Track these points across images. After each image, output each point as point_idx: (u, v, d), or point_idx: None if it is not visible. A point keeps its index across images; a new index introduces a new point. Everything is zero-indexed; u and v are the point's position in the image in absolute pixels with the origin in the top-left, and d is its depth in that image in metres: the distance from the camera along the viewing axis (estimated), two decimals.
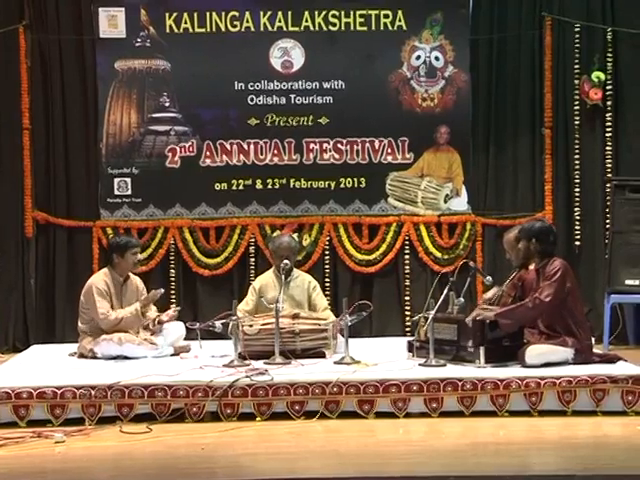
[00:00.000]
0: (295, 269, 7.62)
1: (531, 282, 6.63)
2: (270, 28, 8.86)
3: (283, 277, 7.11)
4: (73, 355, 7.21)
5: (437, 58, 8.98)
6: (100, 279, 7.18)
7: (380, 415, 5.99)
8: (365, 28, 8.88)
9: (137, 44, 8.82)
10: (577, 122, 8.80)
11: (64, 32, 8.76)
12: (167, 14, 8.79)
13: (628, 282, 8.24)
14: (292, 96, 8.89)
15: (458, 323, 6.46)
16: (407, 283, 8.95)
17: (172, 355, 7.09)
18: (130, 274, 7.34)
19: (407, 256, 8.95)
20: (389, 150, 8.93)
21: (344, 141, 8.91)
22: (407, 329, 8.78)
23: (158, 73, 8.86)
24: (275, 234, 8.59)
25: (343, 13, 8.86)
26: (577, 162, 8.82)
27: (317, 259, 8.87)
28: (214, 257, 8.86)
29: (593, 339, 6.72)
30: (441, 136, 8.97)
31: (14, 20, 8.68)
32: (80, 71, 8.80)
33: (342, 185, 8.92)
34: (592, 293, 8.57)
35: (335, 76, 8.88)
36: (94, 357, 6.95)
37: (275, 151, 8.89)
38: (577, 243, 8.80)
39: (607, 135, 8.77)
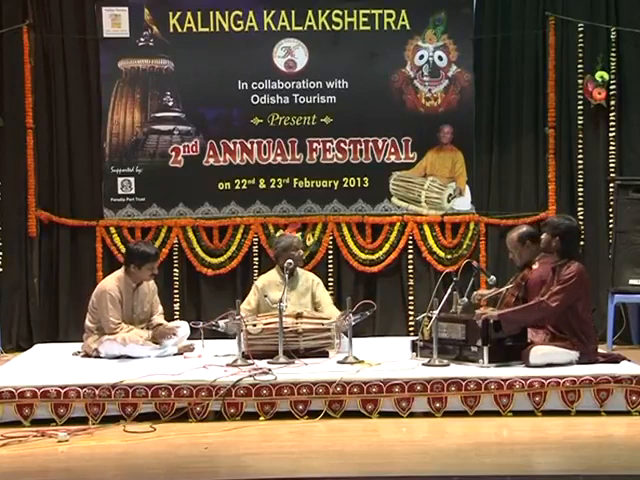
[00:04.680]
0: (298, 269, 7.60)
1: (537, 280, 6.61)
2: (273, 27, 8.86)
3: (287, 276, 7.11)
4: (77, 354, 7.20)
5: (440, 58, 8.98)
6: (113, 285, 7.08)
7: (384, 415, 5.99)
8: (368, 27, 8.88)
9: (140, 43, 8.82)
10: (580, 122, 8.80)
11: (67, 31, 8.77)
12: (170, 13, 8.80)
13: (632, 282, 8.23)
14: (295, 95, 8.89)
15: (462, 323, 6.46)
16: (411, 283, 8.95)
17: (175, 354, 7.08)
18: None
19: (410, 256, 8.95)
20: (392, 150, 8.93)
21: (347, 140, 8.92)
22: (410, 329, 8.79)
23: (161, 72, 8.87)
24: (278, 234, 8.58)
25: (346, 12, 8.86)
26: (580, 162, 8.82)
27: (321, 258, 8.88)
28: (217, 256, 8.87)
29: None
30: (444, 136, 8.97)
31: (18, 20, 8.68)
32: (83, 70, 8.81)
33: (345, 185, 8.92)
34: (596, 293, 8.53)
35: (338, 75, 8.88)
36: (98, 356, 6.95)
37: (278, 150, 8.89)
38: (581, 243, 8.77)
39: (611, 135, 8.76)
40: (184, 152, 8.87)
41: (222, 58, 8.83)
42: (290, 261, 7.16)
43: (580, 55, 8.78)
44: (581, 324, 6.39)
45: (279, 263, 7.42)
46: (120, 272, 7.22)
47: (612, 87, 8.73)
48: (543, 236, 6.58)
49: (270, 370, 6.16)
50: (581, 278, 6.37)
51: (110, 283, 7.14)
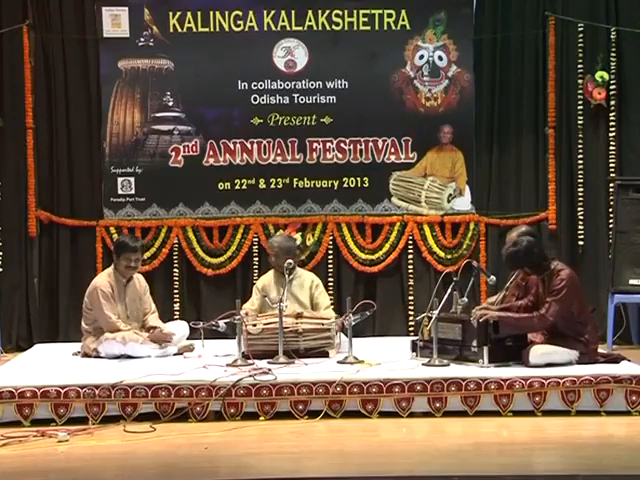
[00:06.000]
0: (298, 268, 7.61)
1: (535, 282, 6.60)
2: (273, 27, 8.86)
3: (287, 276, 7.10)
4: (77, 354, 7.21)
5: (440, 58, 8.97)
6: (104, 280, 7.13)
7: (383, 415, 5.99)
8: (368, 28, 8.88)
9: (140, 43, 8.82)
10: (580, 122, 8.80)
11: (67, 31, 8.77)
12: (170, 13, 8.80)
13: (632, 282, 8.22)
14: (295, 95, 8.89)
15: (462, 323, 6.46)
16: (411, 283, 8.95)
17: (175, 354, 7.08)
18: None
19: (410, 256, 8.95)
20: (392, 150, 8.93)
21: (347, 140, 8.92)
22: (410, 329, 8.79)
23: (161, 72, 8.87)
24: (278, 234, 8.58)
25: (346, 13, 8.86)
26: (580, 162, 8.82)
27: (321, 258, 8.88)
28: (217, 256, 8.87)
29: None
30: (444, 136, 8.97)
31: (18, 20, 8.68)
32: (83, 70, 8.81)
33: (345, 185, 8.92)
34: (596, 293, 8.56)
35: (338, 76, 8.88)
36: (98, 356, 6.95)
37: (278, 150, 8.89)
38: (580, 243, 8.79)
39: (611, 135, 8.76)
40: (184, 152, 8.87)
41: (222, 58, 8.83)
42: (290, 261, 7.16)
43: (580, 55, 8.78)
44: (578, 327, 6.39)
45: (275, 264, 7.46)
46: (110, 268, 7.27)
47: (612, 87, 8.72)
48: (514, 271, 6.68)
49: (270, 370, 6.16)
50: (572, 284, 6.38)
51: (101, 280, 7.18)
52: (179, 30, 8.82)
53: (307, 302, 7.42)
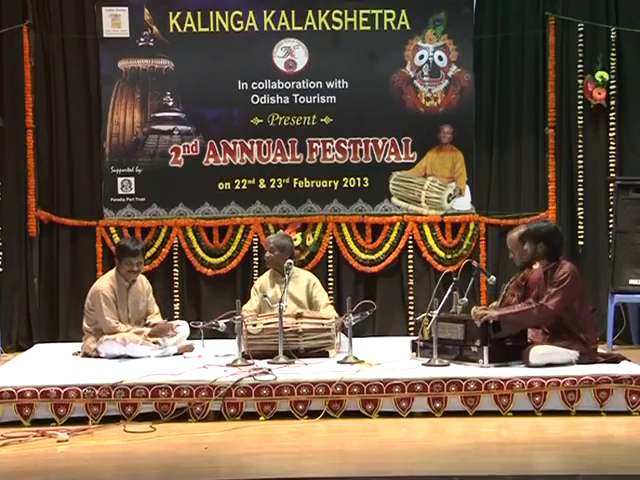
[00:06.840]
0: (295, 267, 7.59)
1: (535, 282, 6.60)
2: (273, 27, 8.87)
3: (287, 277, 7.09)
4: (77, 354, 7.21)
5: (440, 58, 8.98)
6: (106, 285, 7.10)
7: (383, 415, 5.98)
8: (368, 28, 8.89)
9: (140, 43, 8.82)
10: (581, 122, 8.80)
11: (67, 31, 8.77)
12: (170, 13, 8.80)
13: (632, 282, 8.23)
14: (295, 95, 8.90)
15: (462, 323, 6.46)
16: (411, 283, 8.95)
17: (175, 354, 7.08)
18: None
19: (410, 256, 8.95)
20: (392, 150, 8.93)
21: (347, 140, 8.92)
22: (410, 329, 8.79)
23: (161, 72, 8.87)
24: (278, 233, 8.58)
25: (346, 12, 8.86)
26: (581, 162, 8.82)
27: (321, 258, 8.88)
28: (217, 256, 8.87)
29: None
30: (444, 136, 8.97)
31: (18, 20, 8.69)
32: (83, 70, 8.82)
33: (345, 185, 8.92)
34: (596, 293, 8.56)
35: (338, 76, 8.89)
36: (98, 356, 6.94)
37: (278, 151, 8.89)
38: (580, 243, 8.80)
39: (611, 135, 8.76)
40: (184, 152, 8.87)
41: (222, 58, 8.83)
42: (290, 261, 7.15)
43: (580, 55, 8.78)
44: (580, 324, 6.39)
45: (272, 266, 7.47)
46: (113, 271, 7.24)
47: (612, 87, 8.73)
48: (526, 247, 6.58)
49: (270, 370, 6.15)
50: (575, 277, 6.39)
51: (103, 283, 7.15)
52: (179, 30, 8.82)
53: (304, 301, 7.41)
